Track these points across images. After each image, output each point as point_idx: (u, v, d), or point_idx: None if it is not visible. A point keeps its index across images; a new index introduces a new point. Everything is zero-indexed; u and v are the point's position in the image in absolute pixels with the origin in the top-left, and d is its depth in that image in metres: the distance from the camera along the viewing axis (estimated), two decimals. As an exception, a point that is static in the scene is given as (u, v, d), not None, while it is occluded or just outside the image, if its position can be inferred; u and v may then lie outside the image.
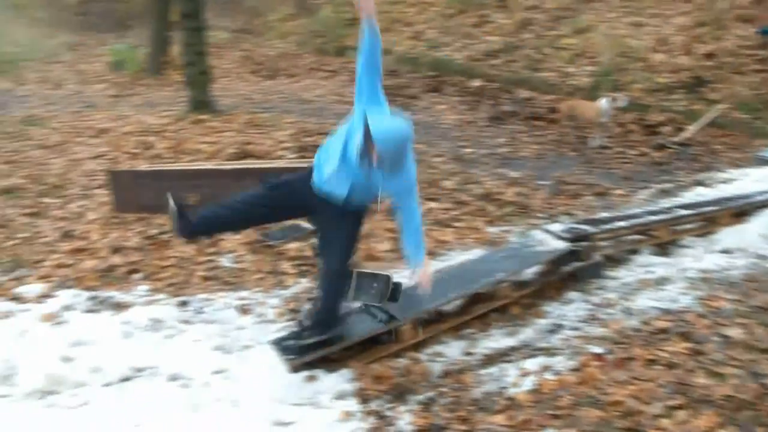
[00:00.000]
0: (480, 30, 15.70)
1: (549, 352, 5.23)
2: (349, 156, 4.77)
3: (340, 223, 5.09)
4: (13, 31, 31.76)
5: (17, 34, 30.25)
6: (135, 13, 27.15)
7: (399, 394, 4.90)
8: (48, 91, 18.71)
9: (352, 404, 4.83)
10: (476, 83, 13.39)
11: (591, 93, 11.70)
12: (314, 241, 5.51)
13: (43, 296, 6.73)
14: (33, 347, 5.70)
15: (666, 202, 8.28)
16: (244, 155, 9.90)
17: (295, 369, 5.25)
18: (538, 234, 6.65)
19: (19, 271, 7.39)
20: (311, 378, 5.18)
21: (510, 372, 5.04)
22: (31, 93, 18.66)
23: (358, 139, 4.68)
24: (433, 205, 8.05)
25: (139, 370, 5.42)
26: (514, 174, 8.94)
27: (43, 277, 7.16)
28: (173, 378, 5.23)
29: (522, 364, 5.10)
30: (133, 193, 8.60)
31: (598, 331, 5.52)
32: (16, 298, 6.74)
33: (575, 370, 4.93)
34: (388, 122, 4.59)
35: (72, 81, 19.84)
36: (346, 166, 4.78)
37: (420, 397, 4.85)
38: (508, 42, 14.42)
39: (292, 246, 7.43)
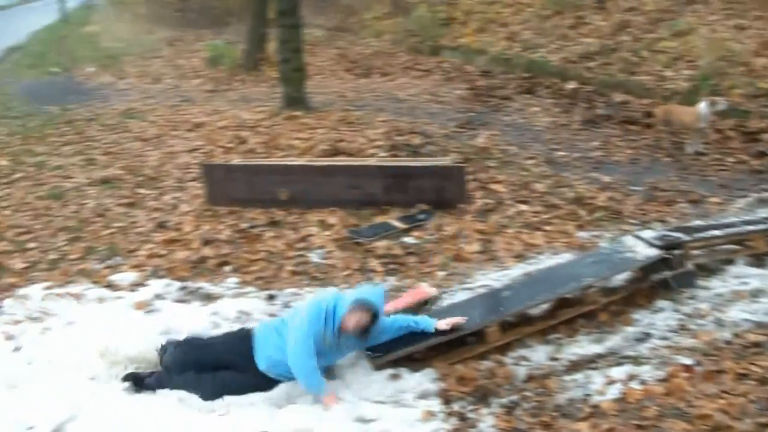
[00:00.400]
0: (576, 31, 15.49)
1: (636, 360, 5.13)
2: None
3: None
4: (116, 27, 32.64)
5: (120, 30, 31.08)
6: (233, 10, 27.56)
7: (482, 397, 4.87)
8: (147, 85, 19.14)
9: (435, 404, 4.82)
10: (571, 86, 13.22)
11: (688, 98, 11.41)
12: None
13: (136, 284, 6.91)
14: (124, 334, 5.84)
15: (764, 212, 8.03)
16: (336, 152, 9.96)
17: (379, 367, 5.27)
18: (629, 240, 6.52)
19: (114, 259, 7.60)
20: (395, 376, 5.19)
21: (595, 379, 4.96)
22: (131, 87, 19.13)
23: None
24: (523, 207, 7.99)
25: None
26: (606, 178, 8.80)
27: (136, 266, 7.34)
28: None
29: (608, 372, 5.01)
30: (226, 186, 8.75)
31: (687, 341, 5.39)
32: (111, 286, 6.93)
33: (663, 380, 4.83)
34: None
35: (170, 75, 20.25)
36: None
37: (503, 401, 4.81)
38: (605, 44, 14.18)
39: (381, 244, 7.46)
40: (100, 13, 45.56)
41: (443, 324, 5.31)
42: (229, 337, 5.32)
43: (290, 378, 4.97)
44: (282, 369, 4.97)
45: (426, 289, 6.22)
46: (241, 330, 5.38)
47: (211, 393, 4.96)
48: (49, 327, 6.09)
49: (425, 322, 5.35)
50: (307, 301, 5.19)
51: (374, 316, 4.95)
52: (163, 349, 5.35)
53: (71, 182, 10.29)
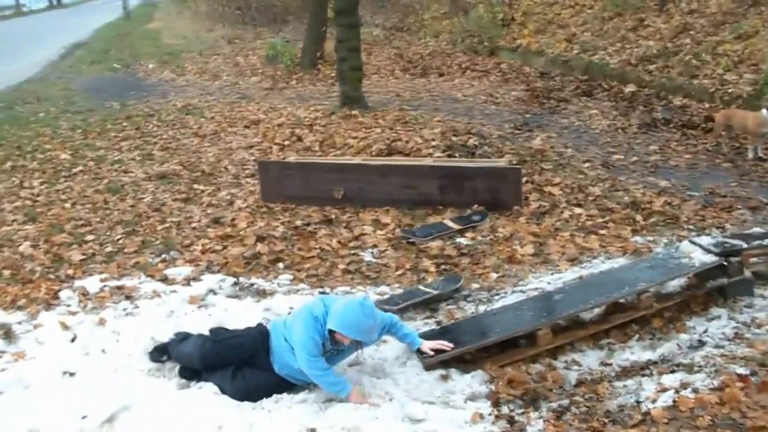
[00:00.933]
0: (636, 34, 15.32)
1: (689, 368, 5.04)
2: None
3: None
4: (177, 24, 33.07)
5: (180, 28, 31.48)
6: (292, 9, 27.75)
7: (532, 400, 4.83)
8: (205, 82, 19.37)
9: (484, 406, 4.79)
10: (629, 88, 13.07)
11: (750, 102, 11.21)
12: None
13: (190, 279, 6.98)
14: (178, 328, 5.91)
15: (826, 221, 7.87)
16: (391, 152, 9.98)
17: (430, 367, 5.25)
18: (685, 246, 6.42)
19: (169, 253, 7.69)
20: (445, 377, 5.17)
21: (647, 386, 4.88)
22: (190, 83, 19.37)
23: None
24: (578, 210, 7.91)
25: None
26: (663, 183, 8.68)
27: (191, 261, 7.43)
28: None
29: (660, 379, 4.93)
30: (281, 183, 8.81)
31: (743, 350, 5.28)
32: (165, 280, 7.01)
33: (716, 389, 4.74)
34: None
35: (228, 73, 20.46)
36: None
37: (553, 405, 4.76)
38: (665, 47, 14.01)
39: (435, 244, 7.44)
40: (161, 10, 46.28)
41: (427, 346, 5.25)
42: (252, 333, 5.30)
43: (301, 380, 4.97)
44: (290, 371, 4.96)
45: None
46: (260, 326, 5.35)
47: (242, 393, 4.96)
48: (104, 318, 6.19)
49: (413, 337, 5.30)
50: (300, 308, 5.13)
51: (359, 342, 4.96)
52: (179, 339, 5.40)
53: (129, 177, 10.45)
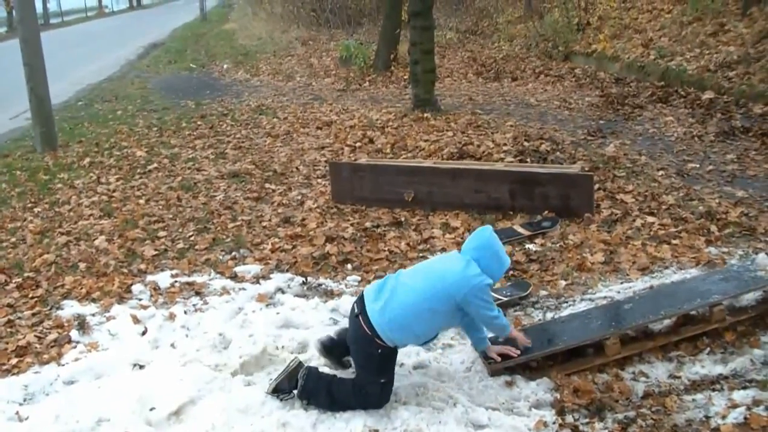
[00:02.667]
0: (716, 39, 15.00)
1: (763, 385, 4.92)
2: None
3: None
4: (252, 25, 33.47)
5: (255, 29, 31.85)
6: (366, 11, 27.85)
7: (597, 410, 4.77)
8: (279, 83, 19.57)
9: (548, 414, 4.75)
10: (707, 95, 12.81)
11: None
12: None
13: (260, 277, 7.05)
14: (245, 325, 5.98)
15: None
16: (463, 156, 9.95)
17: (495, 373, 5.23)
18: (762, 258, 6.27)
19: (239, 251, 7.77)
20: (509, 384, 5.14)
21: (717, 401, 4.78)
22: (264, 84, 19.60)
23: None
24: (650, 219, 7.78)
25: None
26: (740, 193, 8.49)
27: (260, 259, 7.50)
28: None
29: (731, 395, 4.82)
30: (352, 185, 8.85)
31: (819, 367, 5.17)
32: (235, 277, 7.10)
33: (791, 407, 4.64)
34: None
35: (302, 74, 20.64)
36: None
37: (618, 416, 4.70)
38: (747, 53, 13.70)
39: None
40: (237, 11, 46.90)
41: (493, 351, 5.21)
42: (349, 329, 5.21)
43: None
44: (411, 339, 4.93)
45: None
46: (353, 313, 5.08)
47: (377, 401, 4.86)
48: (174, 313, 6.29)
49: (481, 339, 5.23)
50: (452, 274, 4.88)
51: None
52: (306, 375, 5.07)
53: (202, 175, 10.60)
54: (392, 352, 4.82)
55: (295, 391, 4.88)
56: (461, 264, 4.85)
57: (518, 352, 5.16)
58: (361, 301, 4.88)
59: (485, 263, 4.83)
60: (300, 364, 5.01)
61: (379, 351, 4.74)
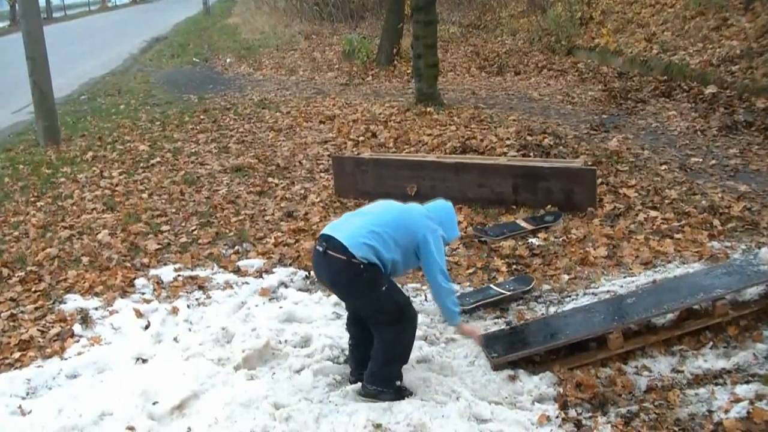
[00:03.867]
0: (719, 34, 14.95)
1: (766, 379, 4.92)
2: None
3: None
4: (255, 19, 33.45)
5: (258, 23, 31.82)
6: (369, 5, 27.82)
7: (600, 405, 4.77)
8: (282, 77, 19.57)
9: (551, 409, 4.75)
10: (710, 90, 12.77)
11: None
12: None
13: (262, 271, 7.06)
14: (248, 319, 5.99)
15: None
16: (466, 150, 9.95)
17: (498, 367, 5.23)
18: (765, 253, 6.27)
19: (242, 245, 7.78)
20: (512, 378, 5.14)
21: (720, 396, 4.77)
22: (267, 78, 19.60)
23: None
24: (653, 214, 7.77)
25: (343, 350, 5.56)
26: (743, 188, 8.47)
27: (263, 254, 7.51)
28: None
29: (734, 389, 4.81)
30: (355, 179, 8.85)
31: (823, 362, 5.16)
32: (238, 271, 7.11)
33: (794, 402, 4.64)
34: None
35: (305, 68, 20.64)
36: None
37: (621, 410, 4.70)
38: (750, 47, 13.65)
39: (507, 243, 7.40)
40: (240, 5, 46.86)
41: (465, 328, 5.37)
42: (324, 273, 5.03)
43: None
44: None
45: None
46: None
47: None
48: (177, 307, 6.30)
49: (452, 313, 5.07)
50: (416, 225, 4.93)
51: None
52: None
53: (205, 169, 10.60)
54: (377, 268, 4.71)
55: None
56: (423, 210, 5.08)
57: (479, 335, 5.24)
58: (322, 237, 4.82)
59: (441, 224, 5.02)
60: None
61: (363, 270, 4.65)
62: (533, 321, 5.86)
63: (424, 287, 6.62)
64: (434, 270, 4.87)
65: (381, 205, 5.08)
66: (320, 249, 4.75)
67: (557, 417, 4.65)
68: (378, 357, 4.88)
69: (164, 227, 8.38)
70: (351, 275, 4.68)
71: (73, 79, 20.31)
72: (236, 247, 7.74)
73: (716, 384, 4.92)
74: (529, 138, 10.22)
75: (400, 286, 5.36)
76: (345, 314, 5.56)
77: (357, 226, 4.78)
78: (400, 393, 4.90)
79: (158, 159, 11.31)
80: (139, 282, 6.93)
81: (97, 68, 22.66)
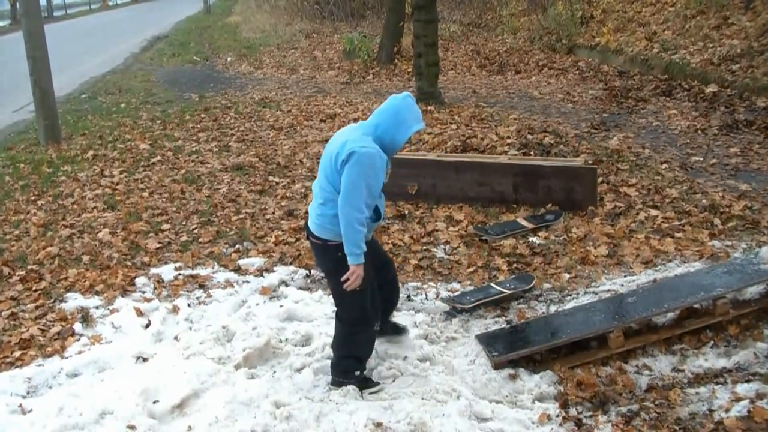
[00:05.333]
0: (720, 32, 14.95)
1: (766, 378, 4.93)
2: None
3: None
4: (255, 18, 33.44)
5: (259, 21, 31.82)
6: (370, 4, 27.83)
7: (600, 403, 4.77)
8: (283, 76, 19.56)
9: (552, 407, 4.76)
10: (711, 89, 12.77)
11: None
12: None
13: (263, 270, 7.06)
14: (249, 318, 6.00)
15: None
16: (466, 148, 9.94)
17: (498, 366, 5.24)
18: (765, 252, 6.27)
19: (242, 244, 7.78)
20: (513, 376, 5.15)
21: (720, 394, 4.78)
22: (268, 76, 19.58)
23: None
24: (654, 213, 7.78)
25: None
26: (743, 186, 8.47)
27: (263, 252, 7.51)
28: (378, 363, 5.33)
29: (734, 388, 4.82)
30: (355, 178, 8.82)
31: (823, 361, 5.16)
32: (238, 270, 7.11)
33: (795, 400, 4.63)
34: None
35: (305, 67, 20.64)
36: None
37: (622, 409, 4.70)
38: (750, 46, 13.65)
39: (507, 242, 7.40)
40: (241, 4, 46.88)
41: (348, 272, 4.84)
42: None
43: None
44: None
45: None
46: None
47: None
48: (177, 306, 6.31)
49: (354, 256, 4.68)
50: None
51: None
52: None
53: (206, 167, 10.59)
54: (343, 251, 4.68)
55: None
56: (355, 134, 4.72)
57: (358, 281, 4.73)
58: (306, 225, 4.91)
59: (383, 129, 4.69)
60: None
61: (338, 252, 4.67)
62: (534, 320, 5.86)
63: (425, 286, 6.64)
64: (343, 199, 4.59)
65: (323, 157, 4.86)
66: (306, 234, 4.91)
67: (558, 416, 4.66)
68: (335, 348, 5.07)
69: (165, 226, 8.38)
70: (328, 257, 4.83)
71: (74, 78, 20.28)
72: (237, 246, 7.73)
73: (717, 383, 4.93)
74: (529, 137, 10.22)
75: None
76: None
77: (312, 206, 4.88)
78: (365, 383, 5.00)
79: (159, 158, 11.30)
80: (140, 281, 6.93)
81: (97, 67, 22.64)
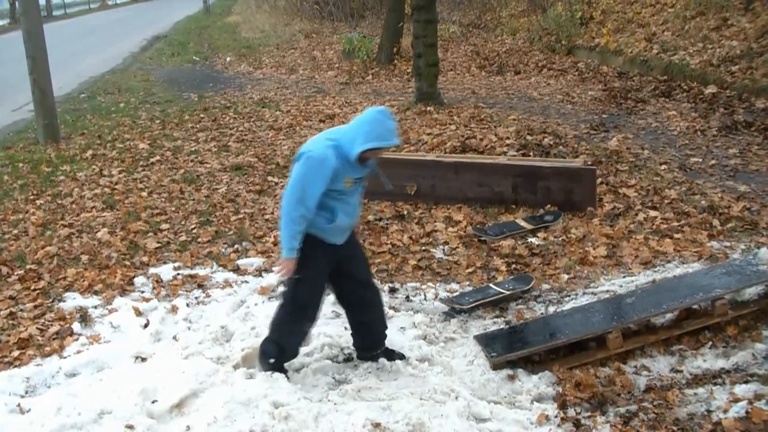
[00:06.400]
0: (719, 34, 14.95)
1: (765, 379, 4.92)
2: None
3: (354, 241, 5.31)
4: (255, 18, 33.45)
5: (258, 21, 31.82)
6: (369, 4, 27.82)
7: (599, 404, 4.77)
8: (282, 76, 19.56)
9: (550, 408, 4.76)
10: (710, 90, 12.78)
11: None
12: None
13: (262, 270, 7.06)
14: (248, 318, 6.00)
15: None
16: (466, 149, 9.94)
17: (497, 366, 5.24)
18: (764, 253, 6.27)
19: (241, 244, 7.78)
20: (511, 377, 5.15)
21: (719, 395, 4.78)
22: (267, 77, 19.58)
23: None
24: (653, 213, 7.78)
25: (342, 349, 5.58)
26: (743, 188, 8.47)
27: (262, 252, 7.51)
28: (379, 363, 5.33)
29: (733, 389, 4.82)
30: (354, 178, 8.82)
31: (822, 362, 5.16)
32: (237, 270, 7.11)
33: (793, 402, 4.63)
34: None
35: (305, 67, 20.64)
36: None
37: (620, 410, 4.70)
38: (750, 47, 13.65)
39: (506, 243, 7.40)
40: (240, 4, 46.87)
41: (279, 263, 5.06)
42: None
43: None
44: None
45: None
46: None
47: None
48: (176, 306, 6.31)
49: (290, 249, 4.87)
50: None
51: None
52: None
53: (205, 167, 10.59)
54: (311, 238, 4.85)
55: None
56: (319, 137, 4.96)
57: (286, 272, 4.90)
58: None
59: (345, 138, 4.78)
60: None
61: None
62: (532, 320, 5.87)
63: (423, 287, 6.64)
64: (284, 194, 4.79)
65: None
66: None
67: (556, 416, 4.66)
68: (269, 328, 5.18)
69: (164, 226, 8.37)
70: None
71: (73, 78, 20.27)
72: (236, 246, 7.73)
73: (715, 384, 4.93)
74: (528, 137, 10.22)
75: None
76: (343, 313, 5.57)
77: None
78: (271, 368, 5.09)
79: (158, 157, 11.30)
80: (139, 280, 6.93)
81: (97, 66, 22.63)
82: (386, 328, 5.43)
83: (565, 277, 6.62)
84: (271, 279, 6.79)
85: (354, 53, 20.13)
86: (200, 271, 7.11)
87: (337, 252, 4.98)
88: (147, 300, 6.51)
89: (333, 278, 5.15)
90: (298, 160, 4.75)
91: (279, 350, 5.12)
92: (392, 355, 5.41)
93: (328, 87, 17.24)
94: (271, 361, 5.11)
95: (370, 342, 5.42)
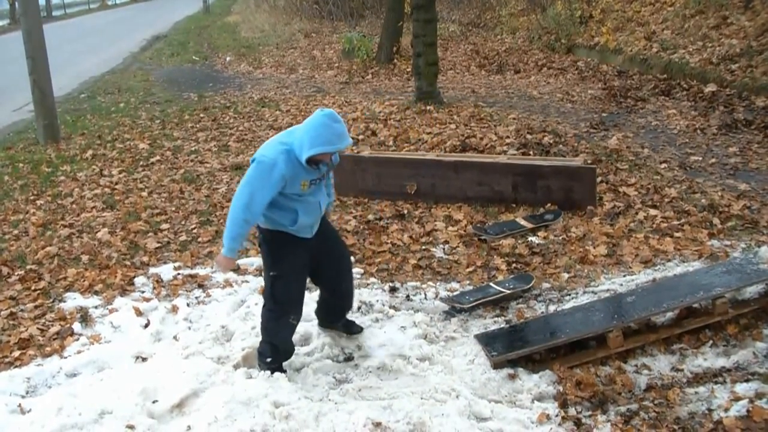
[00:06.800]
0: (719, 32, 14.94)
1: (765, 378, 4.92)
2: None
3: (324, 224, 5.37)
4: (255, 17, 33.44)
5: (258, 21, 31.81)
6: (369, 3, 27.82)
7: (600, 403, 4.77)
8: (282, 75, 19.56)
9: (551, 407, 4.76)
10: (710, 88, 12.77)
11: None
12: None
13: (262, 270, 7.04)
14: (248, 317, 5.99)
15: None
16: (465, 148, 9.93)
17: (498, 365, 5.23)
18: (765, 251, 6.28)
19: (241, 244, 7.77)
20: (512, 376, 5.15)
21: (720, 394, 4.77)
22: (267, 76, 19.58)
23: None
24: (653, 212, 7.77)
25: (342, 349, 5.58)
26: (743, 186, 8.47)
27: (263, 252, 7.50)
28: (377, 363, 5.34)
29: (734, 388, 4.82)
30: (354, 177, 8.84)
31: (822, 360, 5.16)
32: (237, 270, 7.10)
33: (794, 400, 4.63)
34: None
35: (304, 66, 20.63)
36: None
37: (621, 409, 4.70)
38: (750, 45, 13.65)
39: (507, 242, 7.40)
40: (240, 3, 46.88)
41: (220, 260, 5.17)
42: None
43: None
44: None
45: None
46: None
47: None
48: (176, 306, 6.31)
49: (228, 245, 4.99)
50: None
51: None
52: None
53: (205, 167, 10.59)
54: (272, 238, 5.04)
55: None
56: (274, 140, 4.98)
57: (223, 269, 5.13)
58: None
59: (298, 142, 4.74)
60: None
61: (263, 236, 5.15)
62: (533, 319, 5.86)
63: (424, 286, 6.64)
64: (235, 196, 4.88)
65: None
66: None
67: (557, 415, 4.66)
68: (261, 331, 5.31)
69: (164, 225, 8.38)
70: (259, 240, 5.30)
71: (73, 78, 20.28)
72: (236, 246, 7.73)
73: (716, 382, 4.93)
74: (528, 136, 10.22)
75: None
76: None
77: None
78: (269, 368, 5.16)
79: (158, 157, 11.30)
80: (139, 280, 6.93)
81: (97, 66, 22.64)
82: (353, 298, 5.71)
83: (566, 276, 6.61)
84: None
85: (354, 52, 20.12)
86: (200, 271, 7.11)
87: (308, 243, 5.10)
88: (147, 300, 6.51)
89: (311, 262, 5.24)
90: (251, 164, 4.87)
91: (272, 348, 5.19)
92: (352, 327, 5.72)
93: (327, 86, 17.23)
94: (268, 360, 5.17)
95: (338, 312, 5.69)
